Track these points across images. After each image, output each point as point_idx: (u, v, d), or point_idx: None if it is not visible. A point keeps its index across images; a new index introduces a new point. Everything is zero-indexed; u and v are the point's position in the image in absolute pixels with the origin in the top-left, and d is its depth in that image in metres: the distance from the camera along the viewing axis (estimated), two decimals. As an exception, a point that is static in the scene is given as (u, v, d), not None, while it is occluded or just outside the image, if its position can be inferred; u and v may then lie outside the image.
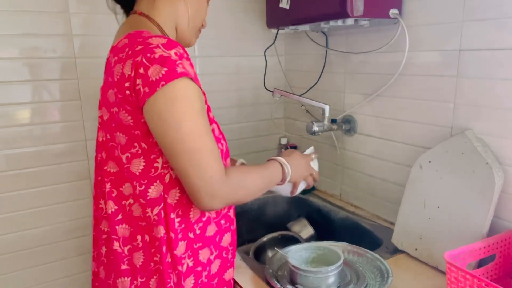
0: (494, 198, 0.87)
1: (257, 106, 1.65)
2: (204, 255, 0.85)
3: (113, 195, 0.81)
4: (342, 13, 1.03)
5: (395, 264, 0.99)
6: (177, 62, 0.69)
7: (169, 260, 0.80)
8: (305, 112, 1.55)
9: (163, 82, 0.67)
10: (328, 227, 1.38)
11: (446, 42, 1.00)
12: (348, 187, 1.42)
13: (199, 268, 0.84)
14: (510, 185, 0.90)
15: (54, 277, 1.36)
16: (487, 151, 0.92)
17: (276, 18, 1.33)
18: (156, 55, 0.68)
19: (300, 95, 1.40)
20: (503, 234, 0.88)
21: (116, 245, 0.81)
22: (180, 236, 0.80)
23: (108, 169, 0.81)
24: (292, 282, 0.89)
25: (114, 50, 0.77)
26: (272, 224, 1.44)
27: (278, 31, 1.43)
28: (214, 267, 0.88)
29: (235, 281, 0.96)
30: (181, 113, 0.70)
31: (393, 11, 1.08)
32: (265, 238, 1.31)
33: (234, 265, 0.95)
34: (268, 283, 0.92)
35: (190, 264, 0.83)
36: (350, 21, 1.08)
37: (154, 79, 0.67)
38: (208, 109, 0.83)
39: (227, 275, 0.91)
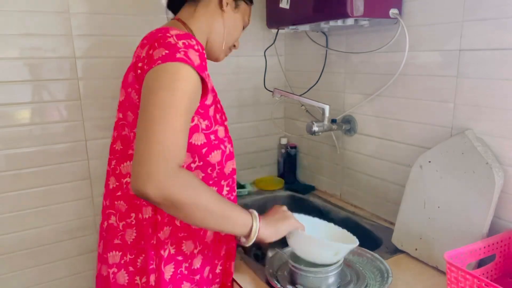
0: (494, 198, 0.87)
1: (257, 106, 1.65)
2: (188, 246, 0.85)
3: (116, 172, 0.86)
4: (342, 13, 1.03)
5: (395, 264, 0.99)
6: (180, 50, 0.71)
7: (154, 242, 0.82)
8: (305, 112, 1.55)
9: (159, 62, 0.71)
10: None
11: (446, 42, 1.00)
12: (348, 187, 1.42)
13: (180, 258, 0.85)
14: (510, 185, 0.90)
15: (54, 277, 1.36)
16: (487, 151, 0.92)
17: (276, 18, 1.33)
18: (166, 40, 0.73)
19: (300, 95, 1.40)
20: (503, 234, 0.88)
21: (112, 219, 0.86)
22: (166, 220, 0.82)
23: (116, 147, 0.87)
24: (292, 282, 0.89)
25: (142, 40, 0.84)
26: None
27: (278, 31, 1.43)
28: (197, 262, 0.87)
29: (235, 281, 0.96)
30: (163, 85, 0.68)
31: (393, 11, 1.08)
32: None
33: (232, 266, 0.96)
34: (268, 283, 0.92)
35: (172, 251, 0.84)
36: (350, 21, 1.08)
37: (155, 58, 0.72)
38: (217, 111, 0.86)
39: (206, 273, 0.90)
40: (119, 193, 0.85)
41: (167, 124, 0.66)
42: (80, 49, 1.26)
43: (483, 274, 0.87)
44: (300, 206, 1.50)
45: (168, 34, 0.74)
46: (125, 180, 0.84)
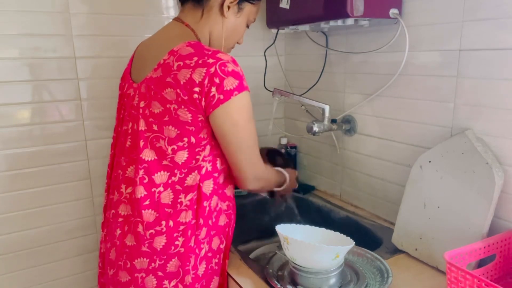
0: (494, 198, 0.87)
1: (257, 106, 1.64)
2: (215, 242, 0.94)
3: (145, 181, 0.87)
4: (342, 13, 1.03)
5: (395, 264, 0.99)
6: (243, 78, 0.85)
7: (192, 244, 0.88)
8: (305, 112, 1.55)
9: (236, 92, 0.83)
10: (328, 227, 1.37)
11: (446, 42, 1.00)
12: (348, 187, 1.42)
13: (210, 254, 0.92)
14: (510, 185, 0.90)
15: (54, 277, 1.36)
16: (487, 151, 0.92)
17: (276, 18, 1.33)
18: (229, 69, 0.82)
19: (300, 95, 1.40)
20: (503, 234, 0.88)
21: (140, 228, 0.87)
22: (203, 222, 0.89)
23: (143, 157, 0.87)
24: (293, 282, 0.89)
25: (175, 54, 0.85)
26: (273, 224, 1.44)
27: (278, 31, 1.43)
28: (221, 256, 0.96)
29: (235, 281, 0.96)
30: (246, 118, 0.87)
31: (393, 11, 1.08)
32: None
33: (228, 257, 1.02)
34: (268, 283, 0.92)
35: (207, 249, 0.91)
36: (350, 21, 1.08)
37: (228, 88, 0.82)
38: None
39: (223, 265, 0.98)
40: (147, 202, 0.86)
41: (256, 147, 0.92)
42: (80, 49, 1.26)
43: (483, 274, 0.87)
44: (300, 206, 1.50)
45: (224, 60, 0.82)
46: (158, 189, 0.86)
